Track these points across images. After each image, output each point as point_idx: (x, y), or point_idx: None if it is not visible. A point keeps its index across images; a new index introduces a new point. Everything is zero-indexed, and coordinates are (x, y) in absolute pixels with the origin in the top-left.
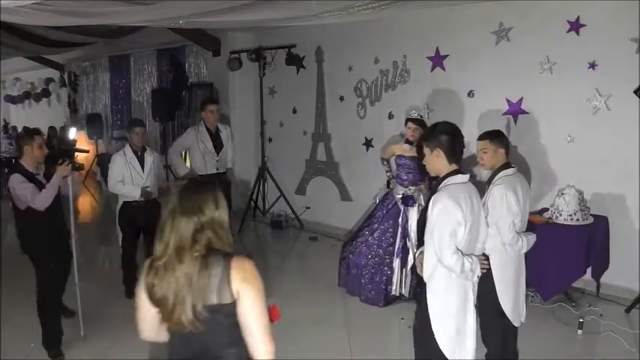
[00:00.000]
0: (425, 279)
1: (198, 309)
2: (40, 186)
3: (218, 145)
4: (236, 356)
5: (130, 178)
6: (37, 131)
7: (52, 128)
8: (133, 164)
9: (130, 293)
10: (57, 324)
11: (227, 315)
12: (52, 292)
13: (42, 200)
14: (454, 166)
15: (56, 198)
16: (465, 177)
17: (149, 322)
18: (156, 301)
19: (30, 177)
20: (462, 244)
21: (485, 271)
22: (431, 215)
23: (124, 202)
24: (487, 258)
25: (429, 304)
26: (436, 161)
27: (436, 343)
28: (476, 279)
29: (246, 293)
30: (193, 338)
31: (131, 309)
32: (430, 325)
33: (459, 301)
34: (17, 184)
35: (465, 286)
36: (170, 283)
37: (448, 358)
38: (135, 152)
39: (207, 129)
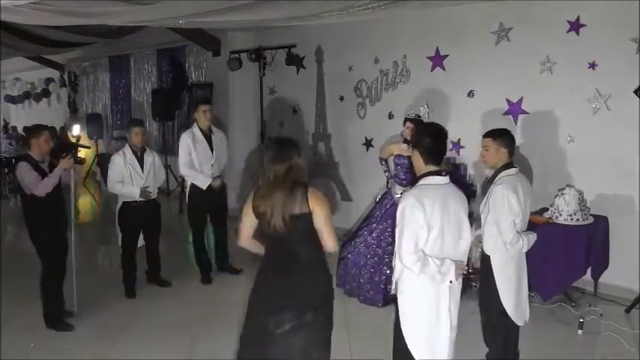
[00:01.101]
0: (395, 278)
1: (286, 217)
2: (44, 174)
3: (212, 147)
4: (307, 249)
5: (129, 178)
6: (44, 127)
7: (52, 128)
8: (133, 164)
9: (130, 293)
10: (58, 300)
11: (304, 220)
12: (52, 268)
13: (43, 187)
14: (431, 167)
15: (58, 187)
16: (442, 179)
17: (247, 234)
18: (259, 214)
19: (36, 165)
20: (429, 246)
21: (463, 276)
22: (397, 214)
23: (124, 203)
24: (487, 258)
25: (398, 304)
26: (415, 161)
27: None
28: (448, 283)
29: (318, 208)
30: (280, 238)
31: (131, 309)
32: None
33: (430, 305)
34: (24, 170)
35: (438, 290)
36: (269, 203)
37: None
38: (134, 152)
39: (202, 130)
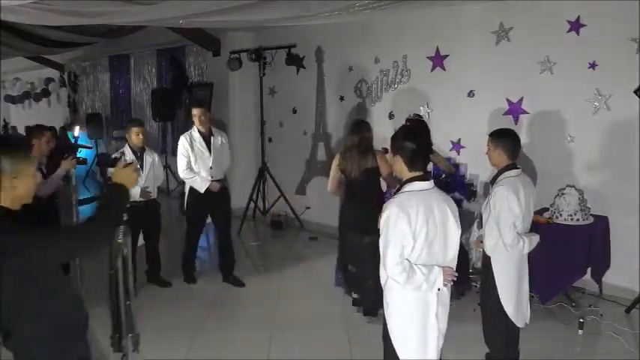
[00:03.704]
0: (382, 285)
1: (362, 169)
2: (42, 176)
3: (211, 150)
4: (373, 190)
5: None
6: (46, 127)
7: (51, 128)
8: (135, 164)
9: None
10: None
11: (373, 172)
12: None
13: (45, 189)
14: (415, 173)
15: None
16: (426, 184)
17: (334, 182)
18: (343, 169)
19: (37, 167)
20: (416, 255)
21: (451, 282)
22: (380, 223)
23: None
24: (488, 259)
25: (385, 311)
26: (397, 167)
27: (394, 350)
28: (437, 290)
29: (382, 163)
30: (357, 184)
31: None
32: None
33: (417, 313)
34: None
35: (425, 298)
36: (349, 161)
37: None
38: (134, 152)
39: (200, 132)
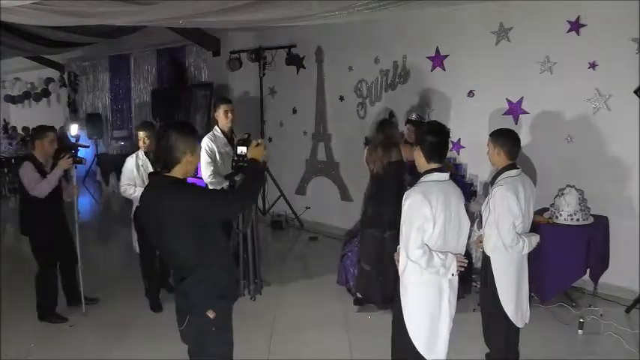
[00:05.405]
0: (399, 272)
1: (384, 164)
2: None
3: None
4: (396, 185)
5: (141, 181)
6: (49, 128)
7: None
8: (146, 168)
9: (156, 306)
10: (50, 294)
11: (396, 166)
12: (46, 265)
13: (41, 189)
14: (433, 165)
15: (58, 189)
16: (443, 175)
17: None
18: (368, 162)
19: (39, 168)
20: (433, 240)
21: (462, 269)
22: (402, 210)
23: (138, 207)
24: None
25: (401, 297)
26: (417, 158)
27: (409, 336)
28: (450, 276)
29: (406, 153)
30: (379, 180)
31: (134, 309)
32: (403, 319)
33: (432, 297)
34: (27, 171)
35: (440, 282)
36: (374, 155)
37: (420, 352)
38: (147, 155)
39: (223, 133)
